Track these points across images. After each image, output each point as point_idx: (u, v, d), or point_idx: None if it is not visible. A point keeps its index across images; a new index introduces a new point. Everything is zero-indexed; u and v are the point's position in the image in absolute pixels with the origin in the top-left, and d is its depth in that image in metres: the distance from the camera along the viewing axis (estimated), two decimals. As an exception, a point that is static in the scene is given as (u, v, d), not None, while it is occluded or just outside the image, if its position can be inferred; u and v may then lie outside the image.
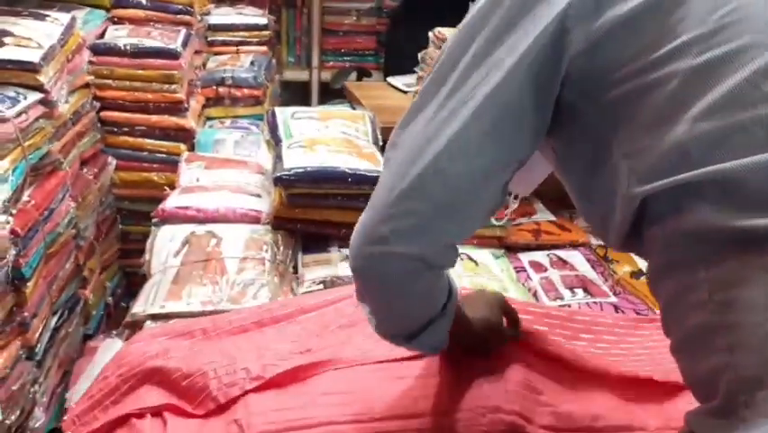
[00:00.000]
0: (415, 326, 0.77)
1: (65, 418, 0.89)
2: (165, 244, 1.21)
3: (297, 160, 1.29)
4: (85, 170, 1.67)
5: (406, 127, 0.65)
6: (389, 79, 2.43)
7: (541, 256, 1.46)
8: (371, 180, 1.30)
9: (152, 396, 0.89)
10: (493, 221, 1.45)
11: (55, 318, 1.50)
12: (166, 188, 1.62)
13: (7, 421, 1.27)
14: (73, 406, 0.90)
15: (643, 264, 1.47)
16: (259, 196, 1.39)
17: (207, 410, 0.85)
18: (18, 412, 1.30)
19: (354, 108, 1.98)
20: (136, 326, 1.03)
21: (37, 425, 1.38)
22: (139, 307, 1.06)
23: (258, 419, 0.81)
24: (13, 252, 1.23)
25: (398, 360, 0.90)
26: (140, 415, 0.86)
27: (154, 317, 1.03)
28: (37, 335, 1.36)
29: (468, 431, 0.82)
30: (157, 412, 0.87)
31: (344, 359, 0.91)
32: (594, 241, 1.54)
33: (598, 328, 1.08)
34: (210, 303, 1.06)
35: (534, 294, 1.32)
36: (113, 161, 1.81)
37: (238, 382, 0.86)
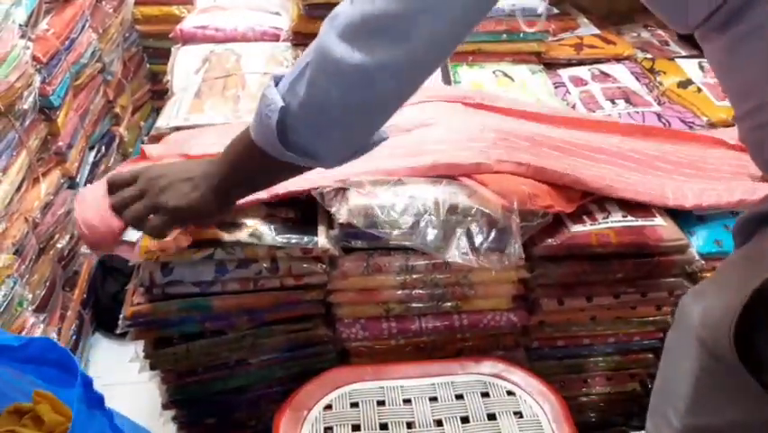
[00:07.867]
0: None
1: None
2: (185, 64, 1.18)
3: (313, -35, 1.20)
4: (103, 2, 1.63)
5: None
6: None
7: (582, 71, 1.38)
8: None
9: None
10: (528, 33, 1.35)
11: (93, 153, 1.54)
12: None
13: (59, 245, 1.35)
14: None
15: (691, 74, 1.36)
16: (278, 14, 1.32)
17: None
18: (68, 237, 1.37)
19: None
20: (160, 139, 1.02)
21: (88, 250, 1.45)
22: (162, 121, 1.05)
23: None
24: (37, 78, 1.23)
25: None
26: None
27: (178, 130, 1.02)
28: (76, 164, 1.40)
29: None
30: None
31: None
32: (640, 54, 1.43)
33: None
34: (233, 115, 1.04)
35: (573, 108, 1.25)
36: (131, -5, 1.75)
37: None
